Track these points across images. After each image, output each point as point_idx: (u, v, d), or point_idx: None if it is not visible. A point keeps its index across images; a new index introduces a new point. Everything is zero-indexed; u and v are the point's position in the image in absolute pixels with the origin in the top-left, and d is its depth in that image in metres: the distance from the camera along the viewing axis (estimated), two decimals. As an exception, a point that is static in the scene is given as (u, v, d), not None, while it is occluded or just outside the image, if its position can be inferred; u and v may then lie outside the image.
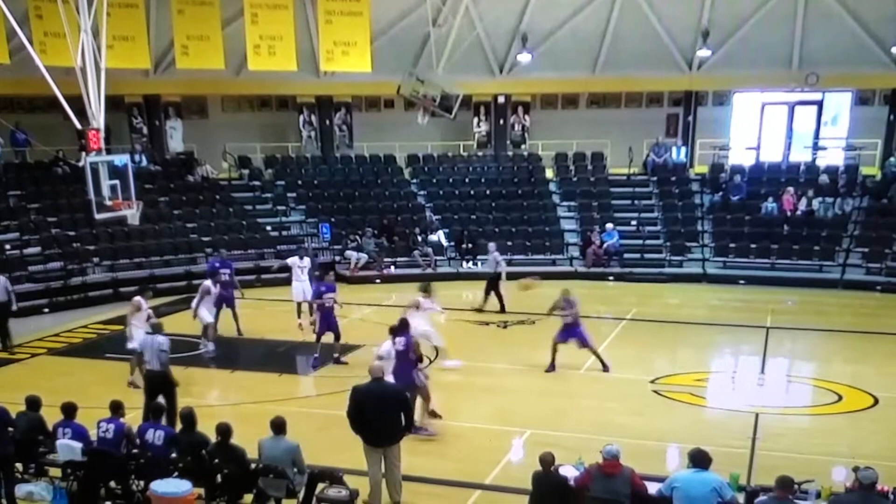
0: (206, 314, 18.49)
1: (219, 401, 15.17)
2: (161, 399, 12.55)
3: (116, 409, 11.00)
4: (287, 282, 21.44)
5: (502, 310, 22.15)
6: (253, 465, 10.27)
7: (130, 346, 15.84)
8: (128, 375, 15.79)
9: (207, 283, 18.83)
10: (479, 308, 22.40)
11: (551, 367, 16.88)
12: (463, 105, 29.60)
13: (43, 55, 21.59)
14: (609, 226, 27.76)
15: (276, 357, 18.64)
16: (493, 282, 22.51)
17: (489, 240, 27.91)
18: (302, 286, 20.67)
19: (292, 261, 21.09)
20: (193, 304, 18.57)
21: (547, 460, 9.42)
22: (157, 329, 13.70)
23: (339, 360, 17.42)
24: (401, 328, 13.42)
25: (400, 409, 10.79)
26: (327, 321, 17.38)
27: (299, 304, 20.91)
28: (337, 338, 17.49)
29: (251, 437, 10.40)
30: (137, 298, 16.41)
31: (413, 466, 11.63)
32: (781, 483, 8.45)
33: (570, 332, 16.87)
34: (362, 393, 10.76)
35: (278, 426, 10.23)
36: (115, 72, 22.26)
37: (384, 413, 10.66)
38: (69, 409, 11.05)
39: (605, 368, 16.85)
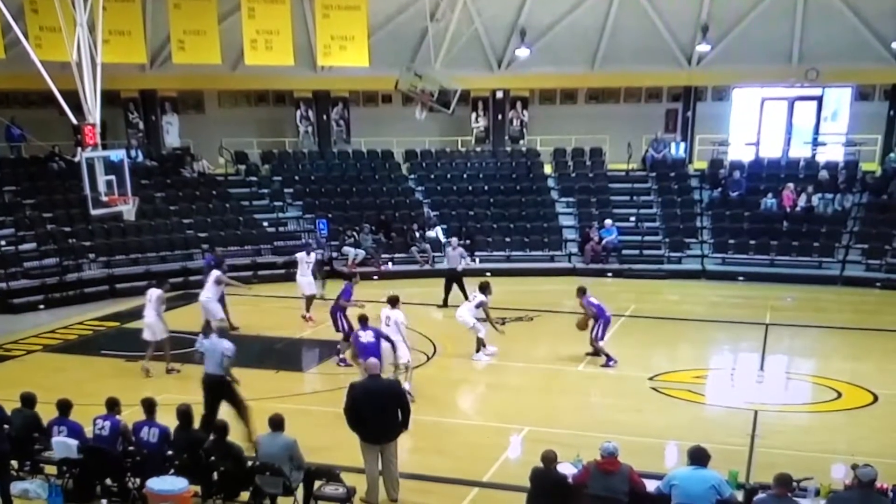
0: (219, 309, 18.57)
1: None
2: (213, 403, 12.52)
3: (112, 406, 11.00)
4: (286, 278, 21.40)
5: (466, 297, 22.00)
6: (250, 463, 10.28)
7: (161, 336, 16.70)
8: (111, 370, 16.15)
9: (218, 273, 19.01)
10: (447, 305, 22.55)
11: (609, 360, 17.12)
12: (461, 100, 29.47)
13: (38, 50, 21.44)
14: (608, 222, 27.66)
15: (273, 354, 18.56)
16: (454, 278, 22.65)
17: (488, 236, 28.02)
18: (307, 280, 20.66)
19: (300, 256, 21.08)
20: (210, 295, 18.69)
21: (549, 457, 9.37)
22: (223, 333, 13.39)
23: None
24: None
25: (397, 405, 10.76)
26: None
27: (308, 298, 20.86)
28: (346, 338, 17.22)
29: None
30: (160, 292, 16.88)
31: (411, 463, 11.64)
32: (780, 481, 8.40)
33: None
34: (359, 390, 10.77)
35: (276, 423, 10.27)
36: (111, 66, 22.16)
37: (381, 409, 10.65)
38: (64, 407, 11.03)
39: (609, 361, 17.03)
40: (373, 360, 11.39)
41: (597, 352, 17.30)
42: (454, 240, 23.88)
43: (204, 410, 12.29)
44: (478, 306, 17.70)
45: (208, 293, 18.69)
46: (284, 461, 9.99)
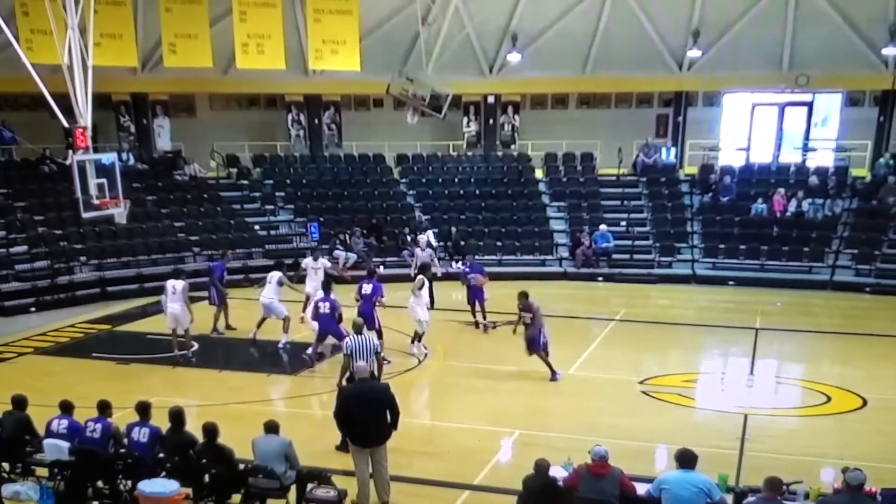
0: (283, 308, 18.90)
1: (207, 400, 15.02)
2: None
3: (104, 408, 10.98)
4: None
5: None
6: (242, 466, 10.28)
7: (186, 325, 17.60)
8: (102, 372, 16.18)
9: (280, 274, 19.20)
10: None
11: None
12: (452, 105, 29.54)
13: (29, 52, 21.47)
14: (603, 227, 27.66)
15: (266, 357, 18.53)
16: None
17: (479, 240, 28.03)
18: (315, 286, 20.37)
19: (306, 262, 20.83)
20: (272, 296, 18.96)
21: (543, 466, 9.36)
22: (359, 329, 13.49)
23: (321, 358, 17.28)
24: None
25: (386, 407, 10.75)
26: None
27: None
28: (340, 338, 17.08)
29: (240, 437, 10.37)
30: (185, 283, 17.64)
31: (402, 466, 11.61)
32: (769, 484, 8.42)
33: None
34: (349, 393, 10.79)
35: (271, 427, 10.39)
36: (103, 69, 22.15)
37: (371, 412, 10.63)
38: (66, 407, 11.11)
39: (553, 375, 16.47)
40: (362, 363, 11.39)
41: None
42: (423, 239, 24.06)
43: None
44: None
45: (271, 294, 18.80)
46: (280, 461, 10.03)
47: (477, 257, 27.15)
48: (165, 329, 18.08)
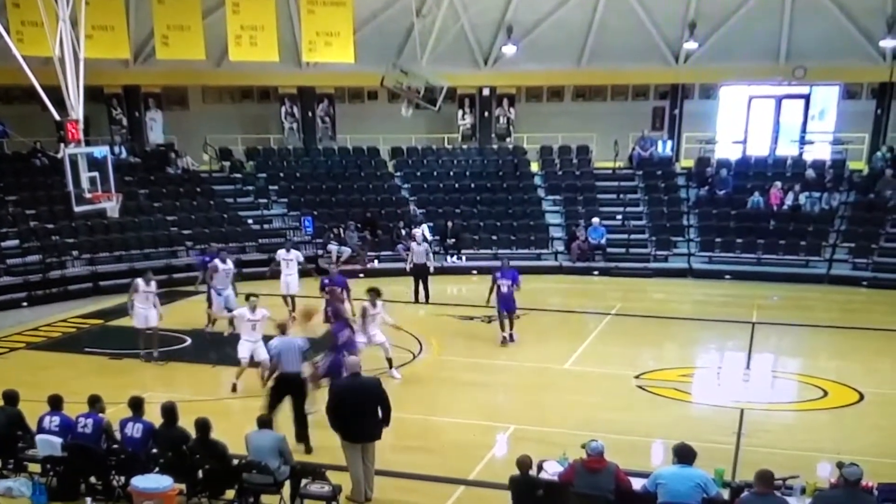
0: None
1: (200, 395, 14.91)
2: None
3: (94, 403, 10.96)
4: (273, 275, 21.27)
5: (427, 300, 22.72)
6: (235, 461, 10.28)
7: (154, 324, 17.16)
8: (95, 367, 16.26)
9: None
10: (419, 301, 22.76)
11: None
12: (447, 97, 29.37)
13: (20, 44, 21.23)
14: (595, 220, 27.59)
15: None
16: (423, 274, 22.80)
17: (474, 234, 27.94)
18: (286, 279, 20.52)
19: (280, 254, 20.93)
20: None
21: (525, 463, 9.33)
22: (284, 329, 13.25)
23: None
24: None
25: (378, 403, 10.68)
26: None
27: (286, 298, 20.74)
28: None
29: (233, 432, 10.31)
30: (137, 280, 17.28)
31: (397, 462, 11.63)
32: (761, 478, 8.39)
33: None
34: (343, 389, 10.71)
35: (264, 423, 10.42)
36: (95, 62, 21.92)
37: (364, 408, 10.60)
38: (55, 401, 11.07)
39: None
40: (354, 358, 11.28)
41: None
42: (418, 234, 23.95)
43: (270, 404, 12.22)
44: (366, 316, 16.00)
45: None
46: (274, 455, 10.03)
47: (473, 251, 27.34)
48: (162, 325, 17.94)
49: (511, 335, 18.52)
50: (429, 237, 26.81)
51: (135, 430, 10.56)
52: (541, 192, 30.64)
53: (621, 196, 29.74)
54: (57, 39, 19.17)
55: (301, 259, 21.18)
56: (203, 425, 10.28)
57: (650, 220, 28.73)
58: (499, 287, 18.39)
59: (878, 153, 28.89)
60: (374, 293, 16.03)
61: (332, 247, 26.79)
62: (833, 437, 13.23)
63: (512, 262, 24.43)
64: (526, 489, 9.33)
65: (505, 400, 15.31)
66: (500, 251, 27.39)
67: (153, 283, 17.43)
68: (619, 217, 28.66)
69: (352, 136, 32.44)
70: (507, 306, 18.37)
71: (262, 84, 31.98)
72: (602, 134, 31.00)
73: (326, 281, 18.54)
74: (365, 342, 15.47)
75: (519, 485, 9.34)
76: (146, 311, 17.13)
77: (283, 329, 13.21)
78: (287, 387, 12.43)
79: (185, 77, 30.33)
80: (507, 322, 18.49)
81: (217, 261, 19.31)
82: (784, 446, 12.58)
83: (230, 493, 10.29)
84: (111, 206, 20.60)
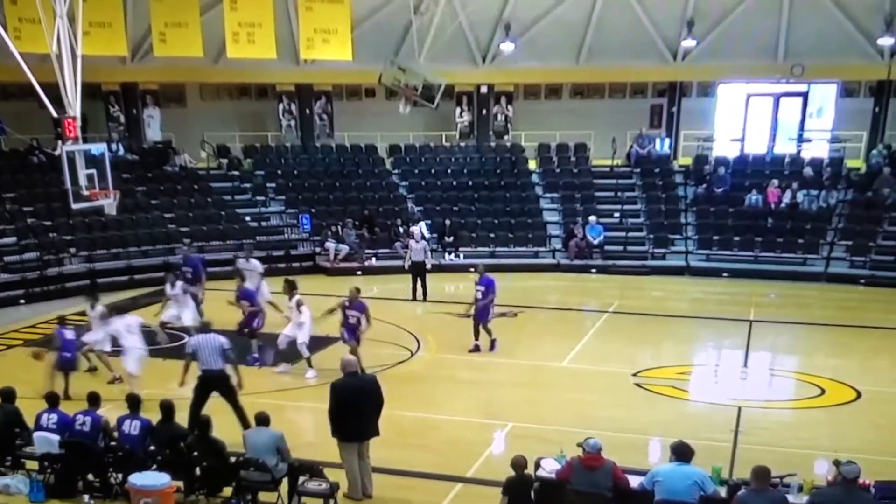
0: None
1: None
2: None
3: (94, 401, 10.98)
4: (268, 273, 21.05)
5: (424, 297, 22.64)
6: (233, 458, 10.30)
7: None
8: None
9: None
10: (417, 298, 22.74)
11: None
12: (445, 95, 29.31)
13: (17, 41, 21.27)
14: (592, 219, 27.55)
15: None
16: (421, 272, 22.78)
17: (472, 232, 27.92)
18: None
19: (240, 264, 20.05)
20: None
21: (520, 464, 9.34)
22: (207, 327, 13.18)
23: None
24: None
25: (376, 400, 10.75)
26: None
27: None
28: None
29: (230, 430, 10.29)
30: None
31: (395, 459, 11.63)
32: (758, 474, 8.39)
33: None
34: (342, 388, 10.69)
35: (262, 419, 10.42)
36: (92, 59, 21.89)
37: (364, 406, 10.64)
38: (52, 398, 11.13)
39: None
40: (351, 357, 11.27)
41: None
42: (416, 231, 23.93)
43: (193, 402, 12.18)
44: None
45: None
46: (271, 453, 10.05)
47: (470, 249, 27.29)
48: (155, 321, 17.96)
49: (477, 346, 17.64)
50: (426, 235, 26.79)
51: (132, 427, 10.59)
52: (538, 190, 30.60)
53: (619, 194, 29.69)
54: (54, 36, 19.20)
55: (261, 269, 19.93)
56: (204, 423, 10.29)
57: (648, 217, 28.69)
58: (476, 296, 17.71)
59: (874, 151, 28.86)
60: (289, 285, 16.56)
61: (330, 244, 26.76)
62: (830, 435, 13.28)
63: (509, 260, 24.57)
64: (522, 489, 9.32)
65: (502, 397, 15.29)
66: (497, 249, 27.49)
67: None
68: (617, 215, 28.61)
69: (349, 134, 32.39)
70: (478, 315, 17.67)
71: (259, 81, 31.89)
72: (600, 132, 30.93)
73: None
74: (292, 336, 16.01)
75: (515, 485, 9.33)
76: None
77: (205, 328, 13.18)
78: (209, 385, 12.38)
79: (182, 74, 30.30)
80: (479, 331, 17.70)
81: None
82: (781, 444, 12.56)
83: (228, 491, 10.30)
84: (109, 203, 20.63)
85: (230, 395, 12.42)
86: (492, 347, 17.74)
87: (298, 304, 16.26)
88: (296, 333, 16.07)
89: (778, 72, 29.73)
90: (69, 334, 14.98)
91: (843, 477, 8.21)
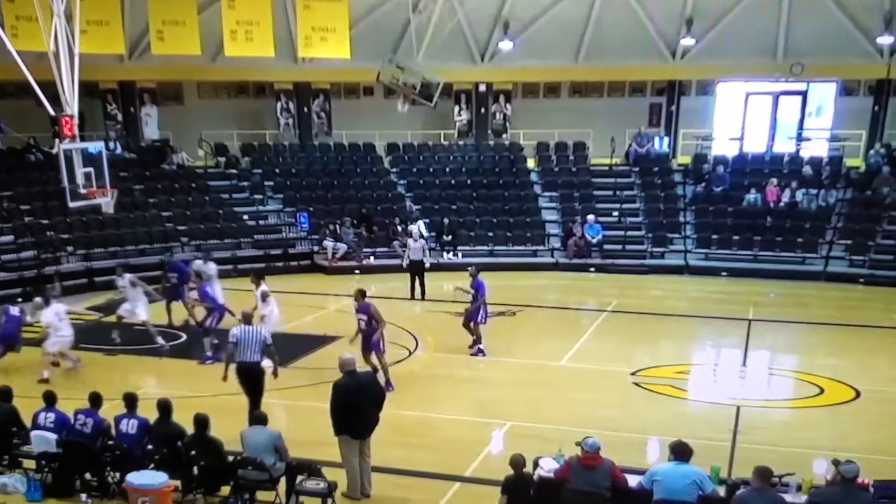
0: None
1: (196, 392, 14.86)
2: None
3: (96, 401, 10.94)
4: (267, 272, 20.98)
5: (423, 296, 22.59)
6: (231, 458, 10.27)
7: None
8: (89, 363, 16.17)
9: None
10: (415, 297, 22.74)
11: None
12: (443, 93, 29.36)
13: (14, 39, 21.18)
14: (590, 217, 27.52)
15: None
16: (419, 270, 22.75)
17: (470, 230, 27.88)
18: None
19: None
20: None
21: (519, 463, 9.32)
22: (249, 320, 13.15)
23: None
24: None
25: (377, 397, 10.79)
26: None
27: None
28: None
29: (229, 429, 10.29)
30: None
31: (393, 458, 11.61)
32: (759, 474, 8.37)
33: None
34: (343, 387, 10.70)
35: (260, 419, 10.46)
36: (89, 57, 21.92)
37: (364, 404, 10.65)
38: (50, 397, 11.06)
39: None
40: (349, 356, 11.24)
41: None
42: (415, 230, 23.93)
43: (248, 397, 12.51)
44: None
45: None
46: (269, 452, 10.02)
47: (469, 247, 27.25)
48: (155, 320, 18.02)
49: (479, 347, 17.41)
50: (425, 234, 26.75)
51: (129, 426, 10.56)
52: (537, 189, 30.58)
53: (618, 193, 29.71)
54: (51, 34, 19.18)
55: (215, 272, 19.44)
56: (202, 421, 10.26)
57: (647, 216, 28.68)
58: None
59: (873, 150, 28.85)
60: (255, 275, 17.09)
61: (328, 243, 26.73)
62: (829, 435, 13.26)
63: (507, 259, 24.43)
64: (521, 488, 9.29)
65: (501, 396, 15.21)
66: (496, 247, 27.45)
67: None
68: (616, 214, 28.61)
69: (347, 132, 32.35)
70: (469, 316, 17.43)
71: (257, 79, 31.89)
72: (599, 130, 30.95)
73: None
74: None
75: (513, 484, 9.29)
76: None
77: (247, 319, 13.17)
78: (242, 376, 12.60)
79: (180, 72, 30.28)
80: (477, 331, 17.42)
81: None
82: (780, 443, 12.52)
83: (225, 490, 10.27)
84: (106, 201, 20.62)
85: (256, 390, 12.56)
86: (474, 350, 17.29)
87: (264, 296, 16.31)
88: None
89: (777, 70, 29.77)
90: (14, 310, 15.90)
91: (842, 476, 8.21)
